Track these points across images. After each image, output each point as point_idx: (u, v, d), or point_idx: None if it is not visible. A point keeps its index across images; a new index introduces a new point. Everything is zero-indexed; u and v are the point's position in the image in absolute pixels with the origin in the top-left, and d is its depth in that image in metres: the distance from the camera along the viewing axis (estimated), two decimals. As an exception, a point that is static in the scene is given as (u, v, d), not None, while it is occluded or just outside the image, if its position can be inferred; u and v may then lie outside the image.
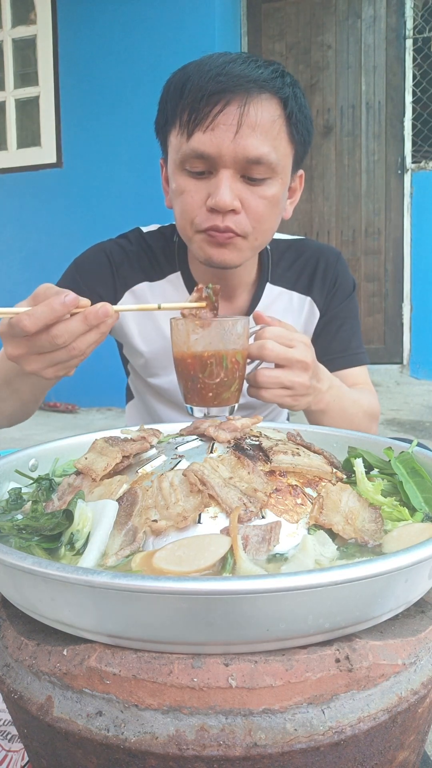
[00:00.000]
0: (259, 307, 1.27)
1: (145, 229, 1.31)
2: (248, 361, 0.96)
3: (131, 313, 1.24)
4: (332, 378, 1.10)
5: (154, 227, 1.32)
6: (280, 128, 1.03)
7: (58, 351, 0.82)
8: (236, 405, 0.96)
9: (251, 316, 1.02)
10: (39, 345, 0.81)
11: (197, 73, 1.01)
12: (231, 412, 0.95)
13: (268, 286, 1.28)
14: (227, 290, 1.23)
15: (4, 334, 0.83)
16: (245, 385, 0.98)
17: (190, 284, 1.24)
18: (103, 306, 0.80)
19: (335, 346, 1.30)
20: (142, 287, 1.25)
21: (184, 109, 1.02)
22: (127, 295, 1.25)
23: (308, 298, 1.30)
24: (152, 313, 1.24)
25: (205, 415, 0.94)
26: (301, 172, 1.17)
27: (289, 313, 1.29)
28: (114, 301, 1.23)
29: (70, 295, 0.79)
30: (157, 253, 1.26)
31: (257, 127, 1.00)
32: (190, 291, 1.22)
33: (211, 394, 0.92)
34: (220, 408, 0.94)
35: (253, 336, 0.97)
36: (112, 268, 1.24)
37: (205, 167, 1.03)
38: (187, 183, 1.05)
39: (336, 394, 1.09)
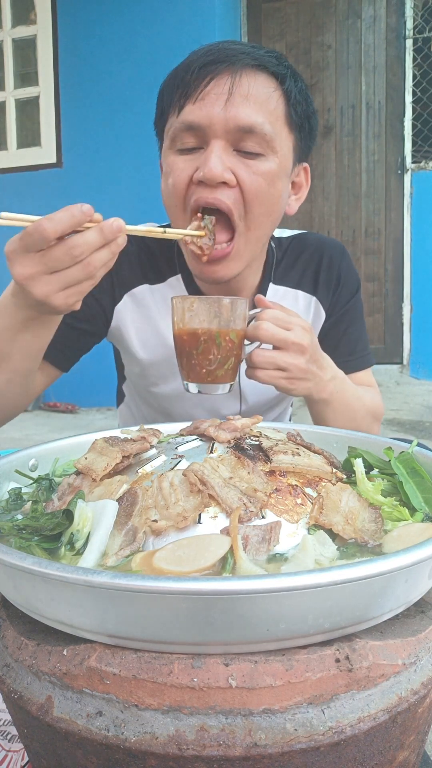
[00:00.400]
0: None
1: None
2: (247, 343, 0.97)
3: (131, 317, 1.20)
4: (337, 369, 1.07)
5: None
6: (277, 104, 0.98)
7: (72, 268, 0.78)
8: (232, 384, 0.97)
9: (254, 299, 1.01)
10: (54, 258, 0.77)
11: (190, 57, 1.00)
12: (229, 391, 0.97)
13: (272, 287, 1.23)
14: (230, 294, 1.17)
15: (14, 251, 0.78)
16: (244, 366, 0.98)
17: (191, 287, 1.20)
18: (116, 220, 0.79)
19: (341, 349, 1.25)
20: (143, 290, 1.21)
21: (176, 90, 0.99)
22: (126, 298, 1.21)
23: (314, 298, 1.26)
24: (152, 319, 1.21)
25: (199, 391, 0.95)
26: (305, 165, 1.12)
27: (296, 312, 1.26)
28: (112, 304, 1.20)
29: (86, 205, 0.77)
30: (157, 255, 1.21)
31: (250, 97, 0.95)
32: (192, 294, 1.20)
33: (204, 371, 0.93)
34: (214, 385, 0.94)
35: (254, 318, 0.97)
36: (109, 272, 1.21)
37: (196, 142, 0.98)
38: (176, 161, 1.00)
39: (339, 386, 1.07)
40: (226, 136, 0.96)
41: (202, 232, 0.90)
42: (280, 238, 1.27)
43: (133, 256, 1.21)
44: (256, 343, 0.98)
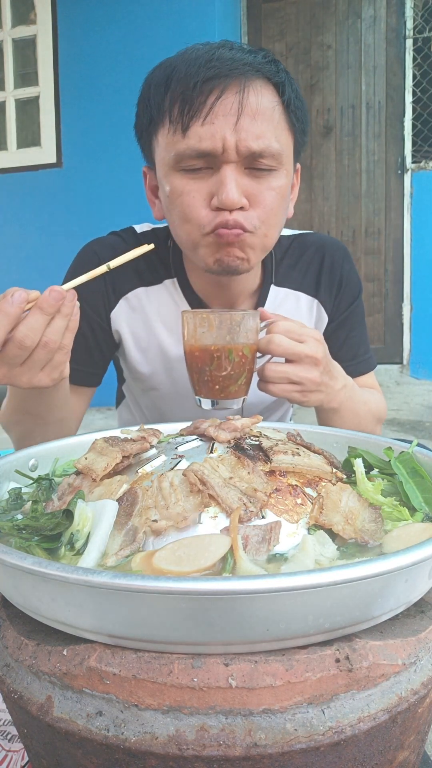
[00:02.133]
0: None
1: (138, 228, 1.24)
2: (259, 355, 0.95)
3: (126, 321, 1.19)
4: (346, 377, 1.06)
5: (146, 227, 1.25)
6: (280, 116, 0.97)
7: (35, 353, 0.79)
8: (245, 398, 0.96)
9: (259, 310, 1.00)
10: (13, 355, 0.78)
11: (183, 63, 0.94)
12: (241, 405, 0.95)
13: (273, 289, 1.21)
14: (229, 298, 1.17)
15: None
16: (256, 379, 0.97)
17: (187, 292, 1.18)
18: (51, 290, 0.78)
19: (344, 354, 1.24)
20: (138, 293, 1.19)
21: (173, 102, 0.94)
22: (121, 302, 1.19)
23: (315, 301, 1.24)
24: (148, 321, 1.19)
25: (213, 407, 0.94)
26: (298, 166, 1.11)
27: (298, 315, 1.23)
28: (108, 309, 1.19)
29: (16, 293, 0.76)
30: (152, 257, 1.19)
31: (258, 115, 0.93)
32: (188, 299, 1.19)
33: (218, 387, 0.92)
34: (228, 400, 0.94)
35: (265, 330, 0.96)
36: (104, 276, 1.19)
37: (205, 164, 0.96)
38: (185, 183, 0.97)
39: (349, 394, 1.06)
40: (237, 159, 0.95)
41: (150, 246, 0.87)
42: (280, 237, 1.24)
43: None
44: (269, 356, 0.97)
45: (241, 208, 0.96)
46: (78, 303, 0.82)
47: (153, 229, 1.24)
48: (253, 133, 0.93)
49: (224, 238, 0.97)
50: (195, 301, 1.19)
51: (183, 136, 0.95)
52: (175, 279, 1.19)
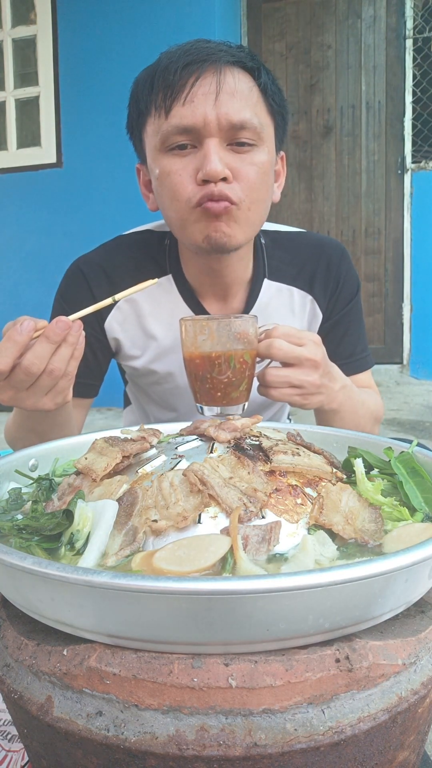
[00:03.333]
0: (258, 305, 1.21)
1: (128, 233, 1.26)
2: (258, 360, 0.96)
3: (117, 323, 1.20)
4: (344, 378, 1.07)
5: (139, 229, 1.26)
6: (258, 98, 1.02)
7: (40, 379, 0.83)
8: (246, 404, 0.96)
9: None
10: (19, 380, 0.82)
11: (165, 57, 1.01)
12: (242, 411, 0.95)
13: (266, 282, 1.22)
14: (222, 289, 1.18)
15: None
16: (255, 383, 0.98)
17: (183, 287, 1.19)
18: (58, 320, 0.81)
19: (341, 352, 1.25)
20: (132, 295, 1.19)
21: (157, 91, 1.00)
22: (114, 311, 1.20)
23: (309, 297, 1.24)
24: (141, 317, 1.20)
25: (216, 415, 0.94)
26: (282, 153, 1.15)
27: (291, 311, 1.24)
28: (102, 320, 1.20)
29: (25, 322, 0.80)
30: (142, 258, 1.21)
31: (236, 93, 0.98)
32: (183, 294, 1.19)
33: (219, 394, 0.92)
34: (230, 407, 0.94)
35: (263, 335, 0.96)
36: (90, 289, 1.19)
37: (189, 140, 1.00)
38: (173, 162, 1.01)
39: (348, 394, 1.07)
40: (219, 134, 0.99)
41: (154, 280, 0.90)
42: (276, 232, 1.26)
43: (113, 269, 1.20)
44: (268, 360, 0.97)
45: (225, 180, 0.99)
46: (83, 333, 0.85)
47: (146, 230, 1.26)
48: (232, 107, 0.98)
49: (212, 210, 1.00)
50: (188, 292, 1.20)
51: (166, 118, 1.00)
52: (170, 275, 1.21)
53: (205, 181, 0.98)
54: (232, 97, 0.98)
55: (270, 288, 1.23)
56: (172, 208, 1.04)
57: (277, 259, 1.24)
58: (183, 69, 0.97)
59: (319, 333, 1.25)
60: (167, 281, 1.20)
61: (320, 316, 1.26)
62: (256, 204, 1.04)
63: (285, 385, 0.95)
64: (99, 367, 1.25)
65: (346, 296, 1.26)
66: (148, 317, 1.20)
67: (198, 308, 1.20)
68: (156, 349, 1.22)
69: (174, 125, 0.98)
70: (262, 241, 1.23)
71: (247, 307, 1.21)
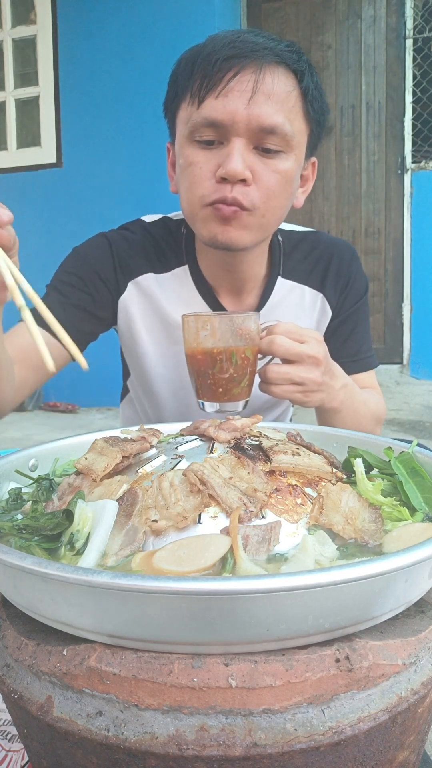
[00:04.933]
0: (270, 303, 1.22)
1: (147, 219, 1.26)
2: (260, 356, 0.96)
3: (137, 307, 1.19)
4: (345, 376, 1.07)
5: (156, 217, 1.26)
6: (296, 102, 1.00)
7: None
8: (248, 400, 0.96)
9: (260, 311, 1.00)
10: None
11: (210, 43, 0.99)
12: (243, 408, 0.95)
13: (280, 280, 1.23)
14: (237, 285, 1.19)
15: None
16: (257, 380, 0.98)
17: (198, 279, 1.19)
18: None
19: (346, 350, 1.26)
20: (147, 278, 1.20)
21: (195, 78, 0.99)
22: (130, 286, 1.20)
23: (320, 295, 1.26)
24: (158, 308, 1.19)
25: (216, 411, 0.94)
26: (314, 159, 1.13)
27: (301, 309, 1.25)
28: (117, 291, 1.19)
29: None
30: (162, 245, 1.20)
31: (272, 96, 0.96)
32: (198, 286, 1.19)
33: (221, 390, 0.92)
34: (231, 403, 0.94)
35: (265, 331, 0.96)
36: (113, 256, 1.18)
37: (216, 136, 0.99)
38: (196, 154, 1.01)
39: (349, 394, 1.07)
40: (247, 135, 0.97)
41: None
42: (291, 232, 1.27)
43: (137, 244, 1.20)
44: (269, 357, 0.98)
45: (244, 182, 0.98)
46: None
47: (162, 219, 1.26)
48: (265, 109, 0.96)
49: (220, 211, 1.00)
50: (204, 287, 1.20)
51: (198, 107, 0.98)
52: (186, 266, 1.21)
53: (224, 179, 0.98)
54: (267, 99, 0.96)
55: (284, 286, 1.24)
56: (186, 200, 1.05)
57: (291, 258, 1.25)
58: (224, 61, 0.95)
59: (327, 330, 1.27)
60: (183, 272, 1.21)
61: (329, 313, 1.27)
62: (271, 211, 1.03)
63: (286, 381, 0.95)
64: (93, 327, 1.20)
65: (355, 295, 1.28)
66: (165, 306, 1.20)
67: (213, 301, 1.20)
68: (168, 337, 1.21)
69: (203, 116, 0.97)
70: (280, 239, 1.24)
71: (261, 303, 1.23)
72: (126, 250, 1.19)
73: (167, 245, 1.21)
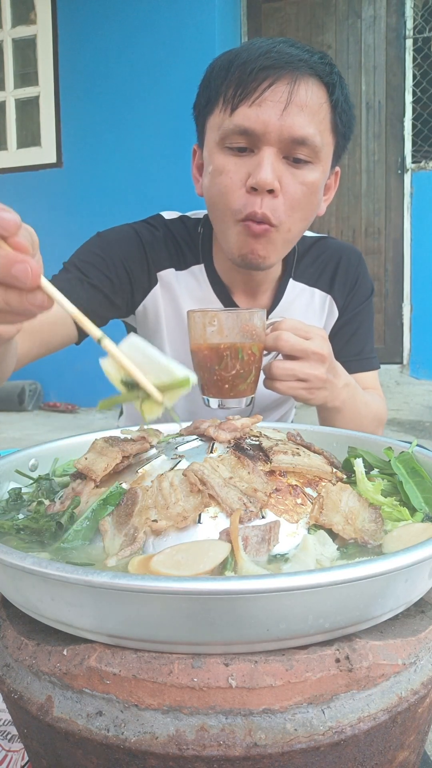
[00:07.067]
0: (282, 305, 1.25)
1: (166, 215, 1.27)
2: (265, 352, 0.96)
3: (162, 302, 1.21)
4: (348, 376, 1.08)
5: (174, 215, 1.28)
6: (326, 115, 1.01)
7: None
8: (253, 396, 0.96)
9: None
10: None
11: (245, 51, 1.00)
12: (248, 404, 0.96)
13: (291, 282, 1.26)
14: (252, 286, 1.21)
15: None
16: (262, 376, 0.98)
17: (214, 279, 1.21)
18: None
19: (350, 349, 1.28)
20: (169, 273, 1.21)
21: (229, 85, 1.00)
22: (158, 282, 1.21)
23: (329, 296, 1.29)
24: (177, 305, 1.21)
25: (219, 406, 0.94)
26: (337, 168, 1.15)
27: (311, 310, 1.28)
28: (148, 283, 1.20)
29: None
30: (180, 242, 1.23)
31: (305, 107, 0.98)
32: (214, 286, 1.22)
33: (227, 386, 0.92)
34: (236, 399, 0.94)
35: (270, 328, 0.97)
36: (143, 246, 1.19)
37: (247, 144, 1.00)
38: (227, 161, 1.02)
39: (351, 393, 1.08)
40: (278, 144, 0.99)
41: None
42: (304, 236, 1.29)
43: (160, 239, 1.22)
44: (275, 353, 0.98)
45: (272, 192, 0.99)
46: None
47: (180, 217, 1.27)
48: (298, 121, 0.98)
49: (251, 229, 1.01)
50: (219, 286, 1.22)
51: (230, 115, 1.00)
52: (202, 265, 1.23)
53: (254, 189, 0.99)
54: (300, 111, 0.98)
55: (295, 288, 1.27)
56: (218, 210, 1.06)
57: (304, 262, 1.28)
58: (259, 71, 0.97)
59: (332, 330, 1.30)
60: (199, 270, 1.23)
61: (336, 314, 1.30)
62: (296, 224, 1.05)
63: (291, 378, 0.96)
64: (106, 312, 1.17)
65: (361, 297, 1.31)
66: (182, 303, 1.22)
67: (228, 301, 1.22)
68: (184, 334, 1.21)
69: (236, 124, 0.99)
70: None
71: (274, 304, 1.25)
72: (152, 244, 1.21)
73: (185, 243, 1.23)
